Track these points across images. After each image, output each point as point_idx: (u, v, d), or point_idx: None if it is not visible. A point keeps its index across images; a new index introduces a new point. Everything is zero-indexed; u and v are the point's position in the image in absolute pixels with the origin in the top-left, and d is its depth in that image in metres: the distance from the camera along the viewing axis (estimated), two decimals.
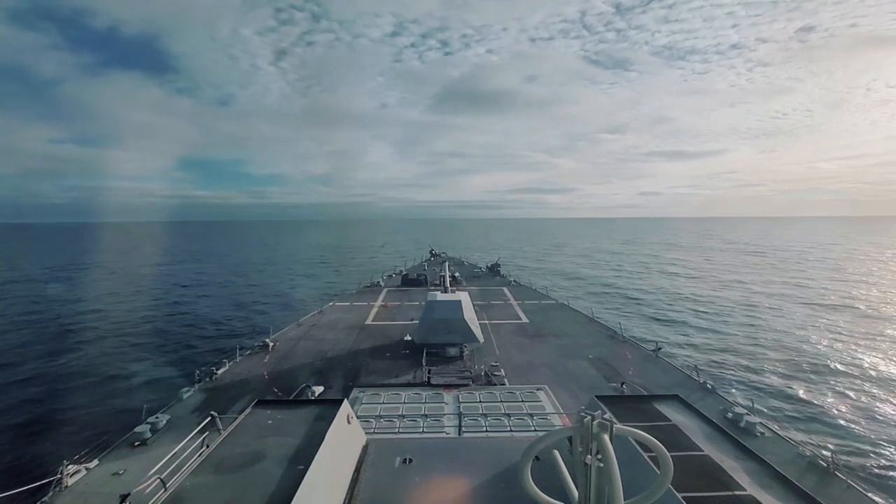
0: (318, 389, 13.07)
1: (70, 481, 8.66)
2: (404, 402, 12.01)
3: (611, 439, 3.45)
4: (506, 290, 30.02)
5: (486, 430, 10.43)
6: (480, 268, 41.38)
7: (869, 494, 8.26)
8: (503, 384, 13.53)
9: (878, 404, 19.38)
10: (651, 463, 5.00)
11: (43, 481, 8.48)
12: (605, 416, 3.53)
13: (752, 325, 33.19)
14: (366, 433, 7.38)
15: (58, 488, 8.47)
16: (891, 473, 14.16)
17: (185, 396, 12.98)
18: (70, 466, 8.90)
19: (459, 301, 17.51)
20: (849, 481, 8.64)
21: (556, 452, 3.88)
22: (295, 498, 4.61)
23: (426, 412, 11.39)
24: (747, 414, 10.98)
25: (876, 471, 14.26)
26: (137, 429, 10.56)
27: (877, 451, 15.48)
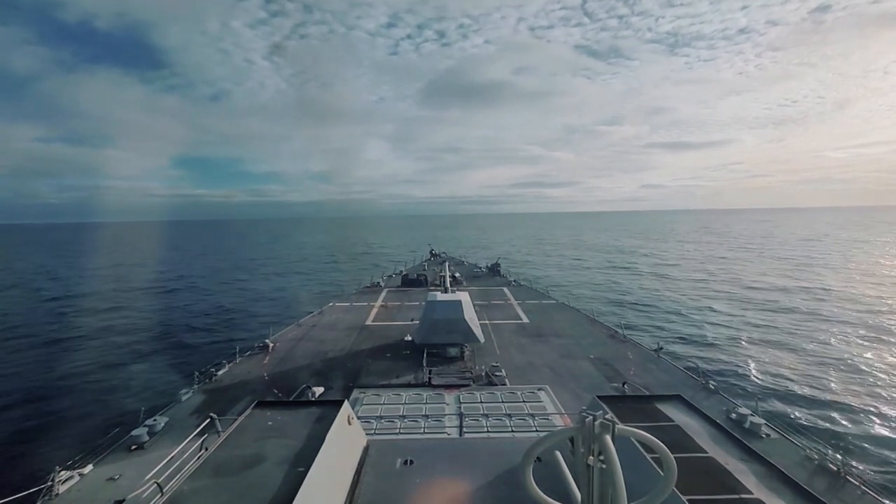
0: (319, 390, 13.01)
1: (61, 488, 8.37)
2: (405, 403, 11.95)
3: (613, 440, 3.40)
4: (506, 290, 29.97)
5: (488, 431, 10.37)
6: (481, 268, 41.32)
7: (886, 502, 7.82)
8: (504, 384, 13.47)
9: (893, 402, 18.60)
10: (654, 464, 4.95)
11: (31, 490, 8.13)
12: (607, 417, 3.47)
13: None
14: (366, 434, 7.32)
15: (47, 497, 8.16)
16: None
17: (183, 398, 12.90)
18: (62, 473, 8.60)
19: (460, 301, 17.46)
20: (863, 487, 8.19)
21: (558, 453, 3.83)
22: (295, 501, 4.56)
23: (427, 413, 11.33)
24: (752, 415, 10.85)
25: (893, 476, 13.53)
26: (134, 432, 10.40)
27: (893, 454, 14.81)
